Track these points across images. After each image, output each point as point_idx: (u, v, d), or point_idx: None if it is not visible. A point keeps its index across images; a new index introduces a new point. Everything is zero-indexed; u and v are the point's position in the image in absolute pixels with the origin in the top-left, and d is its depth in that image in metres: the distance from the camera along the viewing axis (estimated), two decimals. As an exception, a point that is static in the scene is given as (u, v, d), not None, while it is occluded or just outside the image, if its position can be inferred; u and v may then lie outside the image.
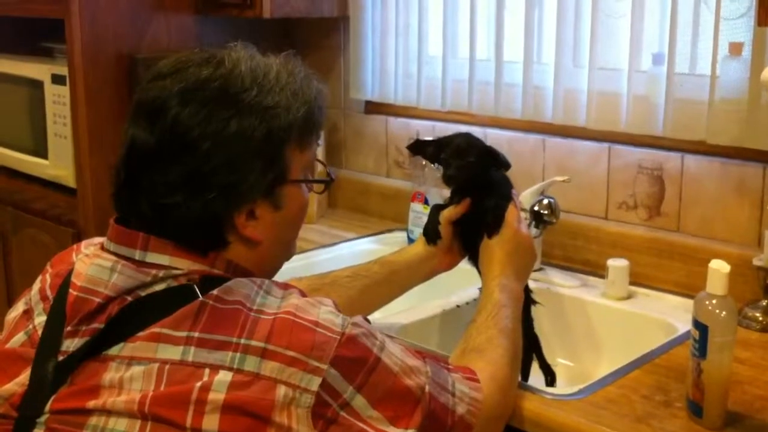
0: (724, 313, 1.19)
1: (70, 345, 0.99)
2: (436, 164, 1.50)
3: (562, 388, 1.43)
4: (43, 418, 0.96)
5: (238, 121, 1.00)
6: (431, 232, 1.48)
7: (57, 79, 2.18)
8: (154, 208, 1.00)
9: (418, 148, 1.53)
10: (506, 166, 1.46)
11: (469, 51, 2.02)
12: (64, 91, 2.14)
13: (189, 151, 0.99)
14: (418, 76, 2.15)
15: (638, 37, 1.76)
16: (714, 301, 1.19)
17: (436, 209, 1.50)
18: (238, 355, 0.93)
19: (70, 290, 1.01)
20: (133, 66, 2.11)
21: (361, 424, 0.97)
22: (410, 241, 2.12)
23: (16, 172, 2.44)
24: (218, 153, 1.00)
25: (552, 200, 1.78)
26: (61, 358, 0.98)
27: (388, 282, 1.47)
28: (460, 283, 1.67)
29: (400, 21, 2.18)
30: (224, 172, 1.00)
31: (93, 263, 1.02)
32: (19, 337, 1.05)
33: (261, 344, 0.94)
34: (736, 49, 1.62)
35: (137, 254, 1.01)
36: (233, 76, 1.02)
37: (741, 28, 1.63)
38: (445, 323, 1.68)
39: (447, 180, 1.46)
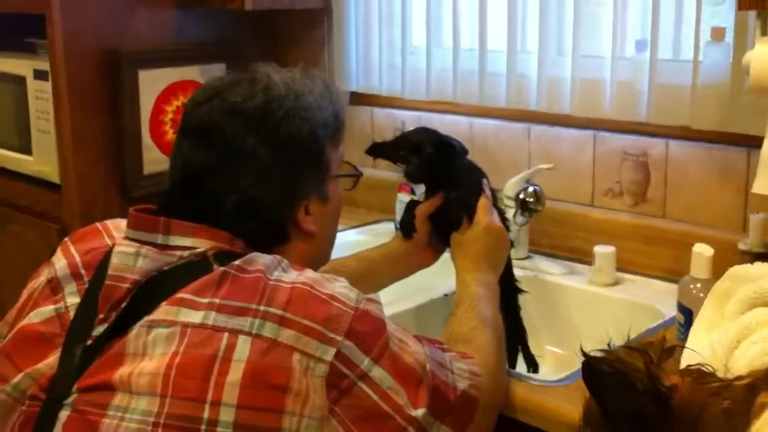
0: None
1: (100, 330, 1.01)
2: (399, 163, 1.50)
3: (550, 374, 1.43)
4: (70, 399, 0.97)
5: (286, 124, 1.10)
6: (406, 226, 1.48)
7: (39, 75, 2.16)
8: (223, 213, 1.08)
9: (376, 150, 1.52)
10: (463, 152, 1.45)
11: (452, 41, 2.02)
12: (47, 86, 2.12)
13: (251, 158, 1.08)
14: (402, 67, 2.14)
15: (621, 23, 1.76)
16: (698, 285, 1.20)
17: (412, 204, 1.49)
18: (257, 320, 0.96)
19: (105, 280, 1.04)
20: (115, 60, 2.09)
21: (375, 397, 0.98)
22: (397, 231, 2.12)
23: (1, 168, 2.42)
24: (276, 154, 1.09)
25: (537, 188, 1.79)
26: (89, 342, 1.00)
27: (366, 278, 1.45)
28: (447, 273, 1.66)
29: (383, 11, 2.18)
30: (284, 170, 1.11)
31: (117, 251, 1.06)
32: (46, 311, 1.06)
33: (279, 312, 0.97)
34: (718, 34, 1.62)
35: (159, 238, 1.05)
36: (270, 88, 1.11)
37: (722, 13, 1.63)
38: (427, 314, 1.67)
39: (408, 177, 1.46)
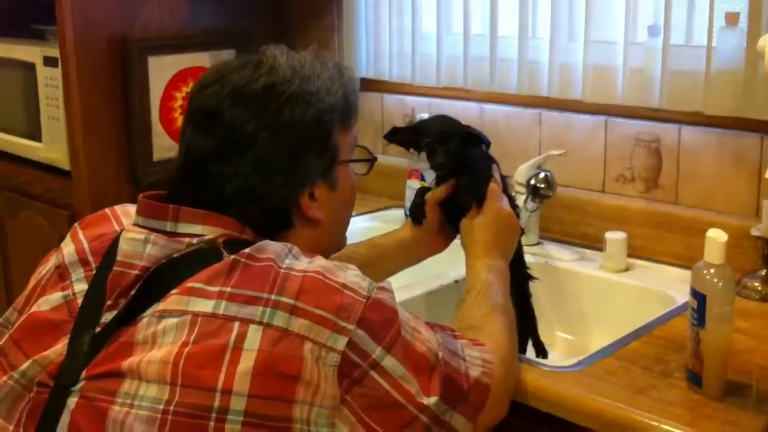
0: (721, 282, 1.18)
1: (108, 317, 1.01)
2: (412, 149, 1.50)
3: (560, 360, 1.43)
4: (78, 386, 0.97)
5: (289, 109, 1.08)
6: (416, 213, 1.48)
7: (49, 62, 2.16)
8: (224, 199, 1.06)
9: (394, 136, 1.51)
10: (487, 144, 1.45)
11: (463, 27, 2.01)
12: (57, 73, 2.12)
13: (250, 144, 1.07)
14: (412, 53, 2.13)
15: (633, 9, 1.75)
16: (712, 270, 1.19)
17: (422, 191, 1.49)
18: (268, 310, 0.95)
19: (114, 266, 1.03)
20: (125, 47, 2.09)
21: (387, 387, 0.98)
22: (407, 218, 2.12)
23: (11, 155, 2.42)
24: (277, 140, 1.07)
25: (548, 174, 1.78)
26: (98, 330, 1.00)
27: (376, 265, 1.45)
28: (458, 259, 1.66)
29: (393, -3, 2.17)
30: (285, 156, 1.08)
31: (126, 238, 1.05)
32: (55, 298, 1.06)
33: (291, 301, 0.96)
34: (732, 18, 1.61)
35: (168, 225, 1.04)
36: (274, 71, 1.09)
37: (737, -2, 1.62)
38: (437, 300, 1.67)
39: (438, 167, 1.44)
